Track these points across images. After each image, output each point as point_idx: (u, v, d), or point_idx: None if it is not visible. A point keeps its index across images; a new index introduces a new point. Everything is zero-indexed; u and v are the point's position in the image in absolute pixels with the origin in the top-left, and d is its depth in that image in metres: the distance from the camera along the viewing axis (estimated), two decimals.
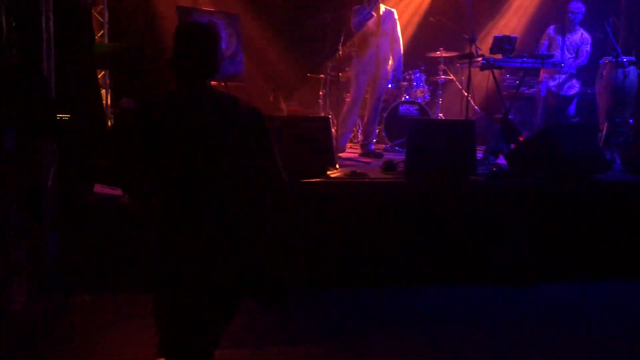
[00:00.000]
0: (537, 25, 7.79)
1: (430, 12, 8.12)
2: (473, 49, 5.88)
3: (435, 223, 4.60)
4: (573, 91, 6.75)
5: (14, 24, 4.14)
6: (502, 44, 5.85)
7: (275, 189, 2.33)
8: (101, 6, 6.93)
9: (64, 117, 4.45)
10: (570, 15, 6.57)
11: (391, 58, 6.24)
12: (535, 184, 4.82)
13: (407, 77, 7.34)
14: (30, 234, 4.05)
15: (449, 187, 4.70)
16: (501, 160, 5.70)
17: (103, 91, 6.93)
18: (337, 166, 5.07)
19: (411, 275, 4.51)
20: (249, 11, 7.78)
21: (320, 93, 7.67)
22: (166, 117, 2.17)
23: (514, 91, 6.90)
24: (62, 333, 3.58)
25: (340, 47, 6.53)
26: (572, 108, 6.88)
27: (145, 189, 2.22)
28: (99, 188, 4.55)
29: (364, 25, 5.99)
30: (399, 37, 6.29)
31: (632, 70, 6.18)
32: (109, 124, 6.80)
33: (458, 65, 6.80)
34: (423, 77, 7.43)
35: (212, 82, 6.70)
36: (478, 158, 5.29)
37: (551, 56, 6.14)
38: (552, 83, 6.65)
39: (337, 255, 4.45)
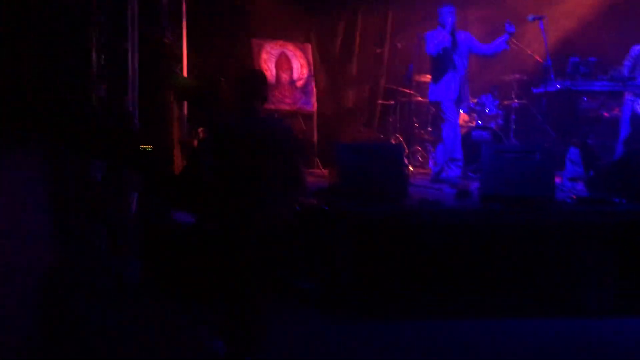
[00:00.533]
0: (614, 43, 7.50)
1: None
2: (548, 73, 5.75)
3: (514, 252, 4.47)
4: None
5: (103, 62, 4.42)
6: (579, 66, 5.69)
7: (298, 183, 3.42)
8: (180, 41, 7.27)
9: (147, 148, 4.67)
10: None
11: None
12: (618, 211, 4.61)
13: (480, 101, 7.24)
14: (115, 260, 4.25)
15: (526, 214, 4.57)
16: (579, 186, 5.50)
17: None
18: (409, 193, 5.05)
19: (490, 307, 4.39)
20: (320, 40, 7.95)
21: (390, 119, 7.69)
22: (229, 129, 3.32)
23: (593, 114, 6.65)
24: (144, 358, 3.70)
25: (410, 74, 6.54)
26: None
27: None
28: (178, 215, 4.72)
29: (441, 49, 5.82)
30: (479, 43, 6.07)
31: None
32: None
33: (533, 89, 6.63)
34: (496, 102, 7.30)
35: (285, 106, 6.96)
36: (556, 184, 5.12)
37: (633, 78, 5.89)
38: (636, 105, 6.34)
39: (409, 285, 4.40)
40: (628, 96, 6.38)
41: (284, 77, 7.23)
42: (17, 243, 2.90)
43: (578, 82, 5.65)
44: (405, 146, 7.25)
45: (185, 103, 7.25)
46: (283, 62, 7.23)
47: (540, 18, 5.71)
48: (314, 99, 7.41)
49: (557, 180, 5.57)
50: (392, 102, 7.65)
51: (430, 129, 7.38)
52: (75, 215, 4.05)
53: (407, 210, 4.61)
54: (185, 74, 7.32)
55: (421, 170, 7.14)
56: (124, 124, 4.07)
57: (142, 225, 4.46)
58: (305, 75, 7.37)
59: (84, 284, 3.97)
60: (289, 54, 7.26)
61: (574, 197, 4.96)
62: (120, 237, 4.27)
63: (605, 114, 7.13)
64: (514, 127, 7.35)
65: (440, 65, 5.95)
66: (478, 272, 4.43)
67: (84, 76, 4.31)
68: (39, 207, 3.60)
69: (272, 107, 7.02)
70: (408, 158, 7.28)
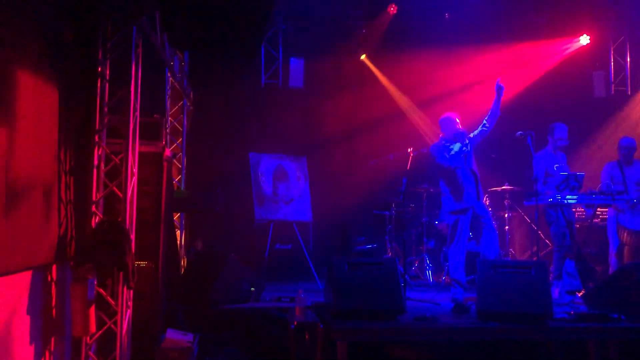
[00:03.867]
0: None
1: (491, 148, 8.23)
2: (538, 187, 5.85)
3: None
4: None
5: (101, 178, 4.54)
6: (569, 180, 5.82)
7: None
8: (180, 154, 7.49)
9: (142, 264, 4.68)
10: (623, 151, 6.34)
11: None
12: (618, 327, 4.55)
13: None
14: None
15: (524, 332, 4.50)
16: (577, 299, 5.46)
17: (178, 232, 7.27)
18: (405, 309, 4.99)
19: None
20: (315, 154, 8.18)
21: (387, 229, 7.76)
22: None
23: (587, 222, 6.72)
24: None
25: (404, 186, 6.65)
26: None
27: None
28: (171, 333, 4.64)
29: (453, 160, 5.58)
30: (476, 169, 5.80)
31: None
32: (184, 263, 7.05)
33: (524, 201, 6.74)
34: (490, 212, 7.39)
35: (281, 217, 7.04)
36: (553, 297, 5.07)
37: (622, 192, 5.99)
38: (620, 217, 6.37)
39: None
40: (610, 210, 6.44)
41: (281, 188, 7.38)
42: None
43: (569, 196, 5.75)
44: (400, 254, 7.29)
45: (184, 215, 7.35)
46: (280, 174, 7.40)
47: (529, 134, 5.84)
48: (309, 211, 7.51)
49: (556, 292, 5.55)
50: (387, 213, 7.75)
51: (425, 239, 7.44)
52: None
53: (403, 328, 4.54)
54: (183, 185, 7.47)
55: (419, 281, 7.12)
56: (120, 242, 4.10)
57: (133, 343, 4.37)
58: (301, 187, 7.51)
59: None
60: (285, 166, 7.45)
61: (572, 312, 4.90)
62: (111, 356, 4.18)
63: (599, 223, 7.23)
64: (508, 237, 7.41)
65: (454, 176, 5.66)
66: None
67: (83, 194, 4.41)
68: (30, 329, 3.57)
69: (270, 217, 7.11)
70: (404, 268, 7.28)
